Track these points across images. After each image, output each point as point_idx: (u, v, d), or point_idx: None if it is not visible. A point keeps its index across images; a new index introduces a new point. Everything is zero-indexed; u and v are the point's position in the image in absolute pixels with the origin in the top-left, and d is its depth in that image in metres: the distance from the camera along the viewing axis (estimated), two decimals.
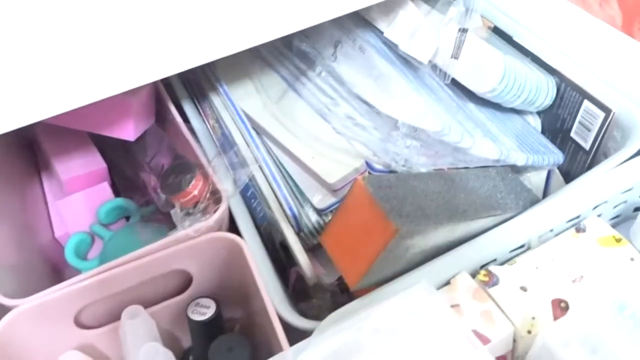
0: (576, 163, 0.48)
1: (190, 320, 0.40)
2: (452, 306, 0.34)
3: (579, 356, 0.29)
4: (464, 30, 0.44)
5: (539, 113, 0.51)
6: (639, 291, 0.31)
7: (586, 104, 0.44)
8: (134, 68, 0.38)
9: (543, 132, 0.50)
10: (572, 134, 0.47)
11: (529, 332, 0.33)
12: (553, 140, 0.49)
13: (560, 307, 0.34)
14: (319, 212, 0.43)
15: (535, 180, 0.49)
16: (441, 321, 0.29)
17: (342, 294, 0.43)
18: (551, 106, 0.48)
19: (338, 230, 0.35)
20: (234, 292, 0.42)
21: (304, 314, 0.42)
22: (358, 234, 0.33)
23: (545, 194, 0.50)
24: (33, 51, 0.34)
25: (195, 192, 0.42)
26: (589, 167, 0.45)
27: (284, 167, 0.45)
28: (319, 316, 0.35)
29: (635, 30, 0.53)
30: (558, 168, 0.49)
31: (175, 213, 0.41)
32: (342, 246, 0.34)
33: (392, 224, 0.31)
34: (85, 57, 0.36)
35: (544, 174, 0.49)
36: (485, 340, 0.32)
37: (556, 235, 0.38)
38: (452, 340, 0.29)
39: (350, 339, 0.29)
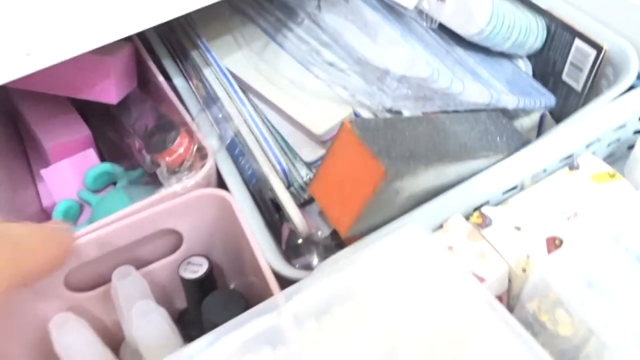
0: (568, 106, 0.47)
1: (183, 279, 0.39)
2: (447, 248, 0.34)
3: (575, 289, 0.29)
4: None
5: (529, 57, 0.49)
6: (634, 224, 0.30)
7: (577, 42, 0.43)
8: (108, 21, 0.36)
9: (534, 76, 0.49)
10: (564, 77, 0.46)
11: (524, 270, 0.33)
12: (544, 85, 0.48)
13: (555, 244, 0.33)
14: (308, 165, 0.42)
15: (527, 125, 0.48)
16: (436, 261, 0.29)
17: (335, 249, 0.43)
18: (541, 49, 0.47)
19: (326, 177, 0.34)
20: (226, 249, 0.41)
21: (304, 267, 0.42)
22: (347, 179, 0.33)
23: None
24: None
25: (181, 150, 0.41)
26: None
27: (270, 122, 0.44)
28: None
29: None
30: (550, 112, 0.48)
31: (162, 172, 0.40)
32: (332, 194, 0.34)
33: (381, 166, 0.30)
34: (55, 10, 0.34)
35: (536, 119, 0.48)
36: (480, 280, 0.32)
37: (549, 174, 0.37)
38: (449, 279, 0.29)
39: (343, 282, 0.29)
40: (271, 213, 0.44)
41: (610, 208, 0.34)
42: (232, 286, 0.45)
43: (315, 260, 0.44)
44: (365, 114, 0.42)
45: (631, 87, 0.39)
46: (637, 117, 0.39)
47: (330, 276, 0.28)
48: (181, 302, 0.44)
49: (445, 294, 0.28)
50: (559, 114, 0.48)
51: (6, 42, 0.34)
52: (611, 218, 0.33)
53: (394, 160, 0.31)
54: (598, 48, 0.42)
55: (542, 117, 0.49)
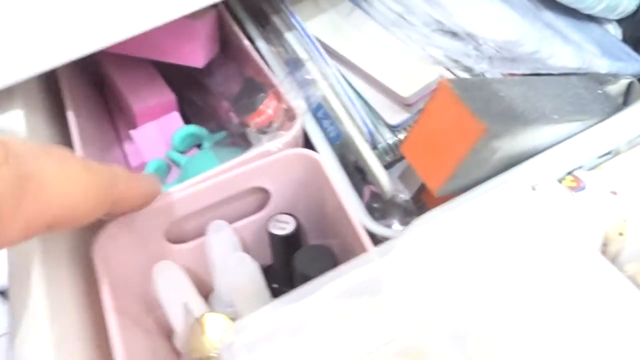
0: None
1: (271, 235, 0.41)
2: (537, 212, 0.34)
3: None
4: None
5: (619, 22, 0.48)
6: None
7: None
8: None
9: (624, 40, 0.47)
10: None
11: (620, 234, 0.32)
12: (635, 50, 0.46)
13: None
14: (392, 128, 0.42)
15: (614, 92, 0.46)
16: (540, 218, 0.29)
17: (417, 212, 0.44)
18: (634, 13, 0.46)
19: (421, 136, 0.34)
20: (310, 209, 0.43)
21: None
22: (443, 137, 0.33)
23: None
24: None
25: (270, 111, 0.42)
26: None
27: (350, 84, 0.45)
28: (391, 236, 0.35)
29: None
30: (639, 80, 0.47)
31: (250, 132, 0.42)
32: (425, 152, 0.34)
33: (481, 123, 0.30)
34: None
35: (623, 86, 0.47)
36: (574, 245, 0.32)
37: None
38: (558, 239, 0.29)
39: (439, 239, 0.30)
40: (353, 175, 0.45)
41: None
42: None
43: (395, 223, 0.45)
44: (466, 61, 0.42)
45: None
46: None
47: (427, 236, 0.29)
48: (265, 259, 0.45)
49: (555, 253, 0.28)
50: None
51: (101, 10, 0.36)
52: None
53: (492, 118, 0.31)
54: None
55: (630, 84, 0.47)
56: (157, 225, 0.38)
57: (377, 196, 0.44)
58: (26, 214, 0.25)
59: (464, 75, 0.42)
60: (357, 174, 0.45)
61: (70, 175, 0.27)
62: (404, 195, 0.43)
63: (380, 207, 0.45)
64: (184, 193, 0.38)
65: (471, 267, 0.28)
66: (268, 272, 0.45)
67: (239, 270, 0.37)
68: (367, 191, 0.46)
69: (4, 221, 0.24)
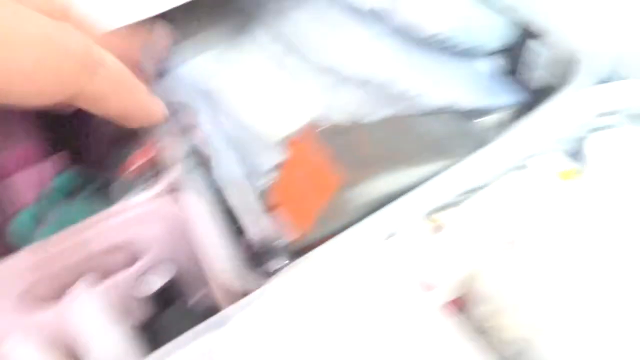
0: (533, 102, 0.47)
1: (143, 291, 0.39)
2: (402, 254, 0.34)
3: (519, 294, 0.29)
4: None
5: (494, 54, 0.50)
6: (581, 223, 0.31)
7: (534, 42, 0.44)
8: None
9: (500, 72, 0.49)
10: (525, 74, 0.46)
11: (477, 274, 0.33)
12: (509, 80, 0.48)
13: (508, 246, 0.34)
14: (269, 170, 0.42)
15: (491, 123, 0.48)
16: (390, 270, 0.29)
17: (297, 254, 0.43)
18: (504, 47, 0.47)
19: (285, 184, 0.34)
20: (189, 259, 0.41)
21: (262, 277, 0.42)
22: (305, 186, 0.33)
23: None
24: None
25: (139, 163, 0.40)
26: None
27: (233, 126, 0.44)
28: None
29: None
30: (518, 109, 0.49)
31: (120, 183, 0.40)
32: (290, 199, 0.34)
33: (337, 173, 0.30)
34: None
35: (501, 117, 0.49)
36: (432, 286, 0.32)
37: (506, 174, 0.37)
38: (399, 287, 0.29)
39: (295, 294, 0.29)
40: (233, 220, 0.44)
41: (561, 207, 0.34)
42: (197, 296, 0.45)
43: (278, 265, 0.44)
44: (328, 112, 0.42)
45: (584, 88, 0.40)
46: (596, 115, 0.39)
47: (283, 287, 0.28)
48: (144, 314, 0.43)
49: (395, 301, 0.28)
50: (525, 110, 0.48)
51: None
52: (561, 217, 0.33)
53: (351, 166, 0.31)
54: (554, 47, 0.42)
55: (509, 115, 0.49)
56: (8, 291, 0.35)
57: (258, 241, 0.43)
58: None
59: (339, 115, 0.42)
60: (238, 218, 0.44)
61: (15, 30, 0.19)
62: (284, 238, 0.42)
63: (262, 251, 0.44)
64: (45, 252, 0.36)
65: (323, 322, 0.28)
66: (145, 329, 0.44)
67: (109, 336, 0.35)
68: (248, 236, 0.45)
69: None
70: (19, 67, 0.20)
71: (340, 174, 0.30)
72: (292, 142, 0.33)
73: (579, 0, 0.42)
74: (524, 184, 0.36)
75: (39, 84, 0.22)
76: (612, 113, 0.39)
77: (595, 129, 0.40)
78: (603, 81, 0.39)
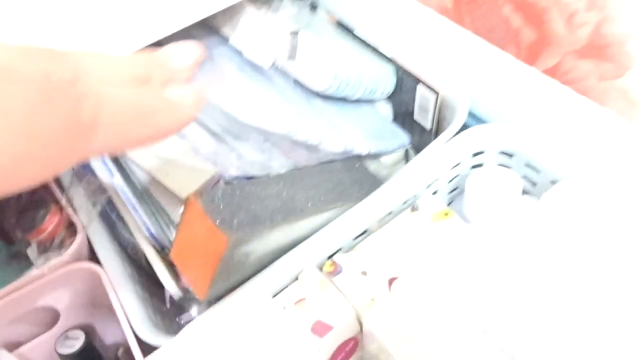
0: (423, 143, 0.51)
1: (60, 355, 0.40)
2: (299, 301, 0.36)
3: (394, 340, 0.32)
4: (295, 33, 0.46)
5: (389, 100, 0.54)
6: (453, 261, 0.34)
7: (420, 88, 0.48)
8: None
9: (395, 116, 0.53)
10: (415, 117, 0.50)
11: (365, 311, 0.36)
12: (402, 124, 0.52)
13: (389, 284, 0.37)
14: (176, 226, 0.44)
15: (390, 162, 0.52)
16: (279, 323, 0.31)
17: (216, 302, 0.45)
18: (395, 93, 0.52)
19: (181, 247, 0.36)
20: (106, 318, 0.43)
21: (183, 326, 0.44)
22: (198, 248, 0.35)
23: None
24: None
25: (51, 228, 0.42)
26: None
27: (142, 186, 0.46)
28: None
29: (464, 11, 0.57)
30: (413, 149, 0.53)
31: (32, 251, 0.41)
32: (187, 261, 0.36)
33: (224, 235, 0.33)
34: None
35: (399, 156, 0.53)
36: (328, 328, 0.35)
37: (395, 216, 0.41)
38: (290, 338, 0.31)
39: (195, 349, 0.31)
40: (150, 275, 0.46)
41: (438, 247, 0.38)
42: (121, 350, 0.46)
43: (197, 314, 0.46)
44: (234, 172, 0.44)
45: (465, 127, 0.44)
46: (471, 155, 0.44)
47: (183, 347, 0.30)
48: None
49: (285, 351, 0.31)
50: (417, 148, 0.52)
51: None
52: (435, 258, 0.36)
53: (237, 228, 0.34)
54: (435, 92, 0.46)
55: (406, 154, 0.53)
56: None
57: (171, 295, 0.45)
58: None
59: (245, 168, 0.45)
60: (154, 272, 0.46)
61: None
62: (192, 295, 0.44)
63: (179, 302, 0.46)
64: None
65: None
66: None
67: None
68: (168, 294, 0.47)
69: None
70: None
71: (229, 234, 0.33)
72: (187, 203, 0.35)
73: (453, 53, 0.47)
74: (407, 225, 0.40)
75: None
76: (483, 152, 0.43)
77: (473, 167, 0.44)
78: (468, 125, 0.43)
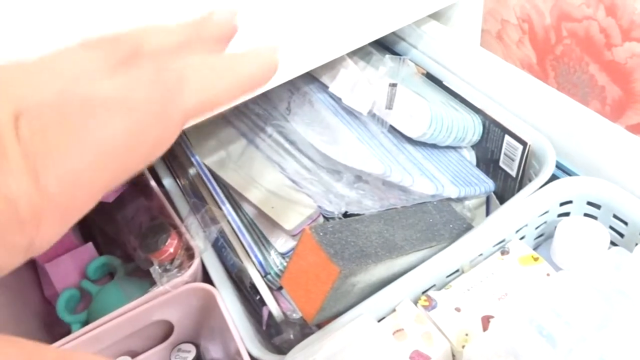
0: (508, 188, 0.54)
1: None
2: (397, 331, 0.40)
3: None
4: (393, 85, 0.50)
5: (472, 147, 0.57)
6: (546, 305, 0.37)
7: (507, 138, 0.51)
8: None
9: (478, 162, 0.56)
10: (501, 164, 0.53)
11: (464, 347, 0.39)
12: (486, 170, 0.55)
13: (489, 323, 0.40)
14: (282, 255, 0.48)
15: (474, 205, 0.55)
16: (380, 347, 0.34)
17: (310, 327, 0.49)
18: (481, 140, 0.55)
19: (293, 274, 0.40)
20: (213, 335, 0.47)
21: (277, 348, 0.48)
22: (309, 276, 0.39)
23: (488, 215, 0.56)
24: None
25: (171, 250, 0.47)
26: (518, 191, 0.51)
27: (249, 217, 0.51)
28: (291, 348, 0.40)
29: (548, 66, 0.60)
30: (494, 193, 0.55)
31: (154, 270, 0.46)
32: (298, 287, 0.40)
33: (336, 266, 0.37)
34: None
35: (482, 199, 0.55)
36: (426, 358, 0.38)
37: (485, 258, 0.44)
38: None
39: None
40: (252, 297, 0.50)
41: (530, 289, 0.40)
42: None
43: (292, 337, 0.50)
44: (328, 206, 0.49)
45: (553, 176, 0.47)
46: (558, 204, 0.46)
47: None
48: None
49: None
50: (501, 194, 0.55)
51: None
52: (529, 299, 0.39)
53: (347, 260, 0.38)
54: (523, 143, 0.49)
55: (488, 197, 0.56)
56: None
57: (273, 315, 0.49)
58: None
59: (339, 203, 0.49)
60: (256, 295, 0.50)
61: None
62: (296, 315, 0.48)
63: (278, 323, 0.50)
64: (87, 335, 0.42)
65: None
66: None
67: None
68: (266, 311, 0.51)
69: None
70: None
71: (341, 266, 0.37)
72: (302, 234, 0.39)
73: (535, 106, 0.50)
74: (497, 267, 0.42)
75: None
76: (571, 202, 0.45)
77: (559, 215, 0.47)
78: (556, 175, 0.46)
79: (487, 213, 0.57)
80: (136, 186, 0.57)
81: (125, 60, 0.18)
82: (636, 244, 0.39)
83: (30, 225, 0.15)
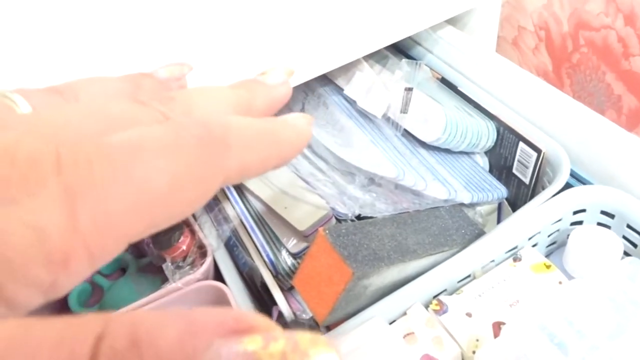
0: (520, 195, 0.54)
1: None
2: (408, 334, 0.40)
3: None
4: (409, 89, 0.50)
5: (485, 153, 0.57)
6: (559, 312, 0.37)
7: (521, 145, 0.51)
8: None
9: (490, 169, 0.56)
10: (514, 171, 0.53)
11: (474, 352, 0.39)
12: (499, 176, 0.55)
13: (499, 329, 0.40)
14: (294, 255, 0.49)
15: (486, 211, 0.55)
16: (391, 350, 0.35)
17: (319, 328, 0.49)
18: (494, 147, 0.55)
19: (306, 274, 0.40)
20: None
21: None
22: (322, 277, 0.39)
23: (499, 222, 0.56)
24: None
25: (184, 247, 0.47)
26: (531, 198, 0.51)
27: (262, 217, 0.51)
28: None
29: (564, 74, 0.60)
30: (506, 199, 0.55)
31: (167, 267, 0.47)
32: (310, 288, 0.40)
33: (349, 268, 0.37)
34: None
35: (494, 206, 0.55)
36: None
37: (497, 264, 0.44)
38: None
39: None
40: (262, 296, 0.50)
41: (543, 297, 0.40)
42: None
43: None
44: (341, 208, 0.49)
45: (567, 184, 0.47)
46: (571, 212, 0.46)
47: None
48: None
49: None
50: (513, 201, 0.55)
51: None
52: (542, 306, 0.39)
53: (360, 262, 0.38)
54: (538, 151, 0.49)
55: (500, 205, 0.56)
56: None
57: (282, 315, 0.49)
58: None
59: (352, 206, 0.49)
60: (266, 294, 0.50)
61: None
62: (305, 315, 0.48)
63: (285, 324, 0.51)
64: None
65: None
66: None
67: None
68: (275, 310, 0.51)
69: None
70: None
71: (354, 268, 0.37)
72: (316, 236, 0.39)
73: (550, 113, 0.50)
74: (509, 273, 0.42)
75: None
76: (585, 210, 0.45)
77: (572, 223, 0.47)
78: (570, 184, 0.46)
79: (499, 220, 0.57)
80: None
81: (174, 110, 0.18)
82: None
83: (57, 262, 0.14)
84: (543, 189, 0.50)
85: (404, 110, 0.51)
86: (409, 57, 0.62)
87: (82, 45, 0.41)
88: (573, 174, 0.49)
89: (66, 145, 0.15)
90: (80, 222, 0.14)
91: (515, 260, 0.43)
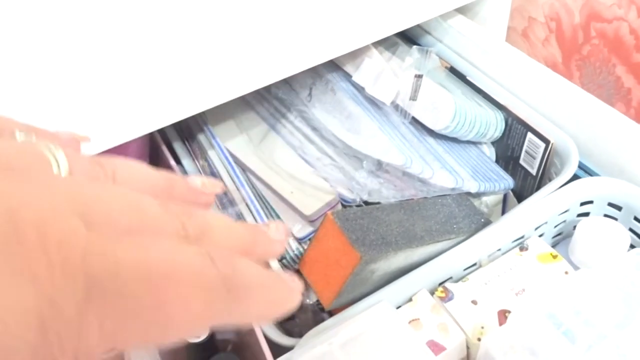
0: (527, 186, 0.54)
1: (186, 342, 0.45)
2: (413, 320, 0.40)
3: None
4: (419, 76, 0.50)
5: (492, 143, 0.57)
6: (566, 301, 0.37)
7: (529, 135, 0.51)
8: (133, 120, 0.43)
9: (497, 159, 0.56)
10: (521, 161, 0.53)
11: (479, 339, 0.39)
12: (506, 167, 0.55)
13: (505, 317, 0.40)
14: (299, 240, 0.48)
15: (492, 202, 0.55)
16: (398, 334, 0.35)
17: (322, 312, 0.49)
18: (502, 137, 0.55)
19: (313, 258, 0.40)
20: None
21: (288, 332, 0.48)
22: (329, 261, 0.39)
23: (504, 214, 0.56)
24: None
25: None
26: (537, 189, 0.51)
27: (267, 201, 0.51)
28: (301, 333, 0.40)
29: (573, 66, 0.59)
30: (512, 190, 0.55)
31: None
32: (317, 272, 0.40)
33: (357, 252, 0.37)
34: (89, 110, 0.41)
35: (500, 197, 0.55)
36: (441, 348, 0.38)
37: (503, 253, 0.44)
38: (409, 350, 0.35)
39: (324, 351, 0.35)
40: None
41: (549, 286, 0.40)
42: (230, 346, 0.50)
43: (303, 322, 0.50)
44: (348, 194, 0.49)
45: (574, 175, 0.46)
46: (579, 203, 0.46)
47: (314, 348, 0.34)
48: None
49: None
50: (519, 192, 0.55)
51: None
52: (548, 295, 0.39)
53: (368, 247, 0.38)
54: (546, 141, 0.49)
55: (505, 196, 0.56)
56: None
57: None
58: None
59: (359, 191, 0.49)
60: None
61: None
62: (310, 300, 0.48)
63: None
64: None
65: None
66: None
67: None
68: None
69: None
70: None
71: (362, 252, 0.37)
72: (324, 219, 0.39)
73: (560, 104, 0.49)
74: (515, 262, 0.42)
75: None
76: (592, 202, 0.45)
77: (578, 215, 0.47)
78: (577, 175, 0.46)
79: (504, 211, 0.57)
80: (157, 165, 0.57)
81: (199, 240, 0.18)
82: None
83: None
84: (549, 180, 0.50)
85: (413, 97, 0.50)
86: (418, 45, 0.61)
87: (82, 45, 0.41)
88: (580, 166, 0.49)
89: (95, 230, 0.15)
90: (89, 331, 0.14)
91: (521, 249, 0.43)
